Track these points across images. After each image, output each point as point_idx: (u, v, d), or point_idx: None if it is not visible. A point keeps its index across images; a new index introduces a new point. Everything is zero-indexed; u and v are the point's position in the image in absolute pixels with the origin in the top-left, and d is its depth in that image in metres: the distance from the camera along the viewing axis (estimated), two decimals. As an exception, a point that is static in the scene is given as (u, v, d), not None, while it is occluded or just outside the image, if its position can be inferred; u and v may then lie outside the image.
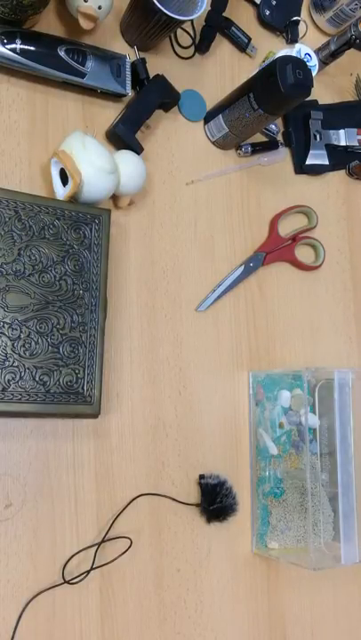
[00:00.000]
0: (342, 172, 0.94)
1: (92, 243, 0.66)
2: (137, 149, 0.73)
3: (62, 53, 0.69)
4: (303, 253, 0.87)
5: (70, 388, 0.62)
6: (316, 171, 0.90)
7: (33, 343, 0.61)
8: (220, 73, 0.86)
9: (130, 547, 0.67)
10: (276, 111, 0.75)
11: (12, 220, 0.63)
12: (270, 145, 0.87)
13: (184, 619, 0.69)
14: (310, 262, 0.87)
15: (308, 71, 0.71)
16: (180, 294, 0.76)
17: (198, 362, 0.76)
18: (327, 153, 0.90)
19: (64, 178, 0.67)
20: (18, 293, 0.62)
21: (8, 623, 0.61)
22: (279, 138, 0.89)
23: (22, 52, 0.67)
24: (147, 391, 0.72)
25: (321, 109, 0.90)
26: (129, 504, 0.68)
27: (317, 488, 0.74)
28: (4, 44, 0.66)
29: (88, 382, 0.63)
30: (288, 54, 0.86)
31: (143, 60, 0.76)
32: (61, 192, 0.67)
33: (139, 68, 0.75)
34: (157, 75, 0.76)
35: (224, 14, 0.83)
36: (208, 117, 0.82)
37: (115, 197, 0.73)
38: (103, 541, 0.65)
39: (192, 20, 0.81)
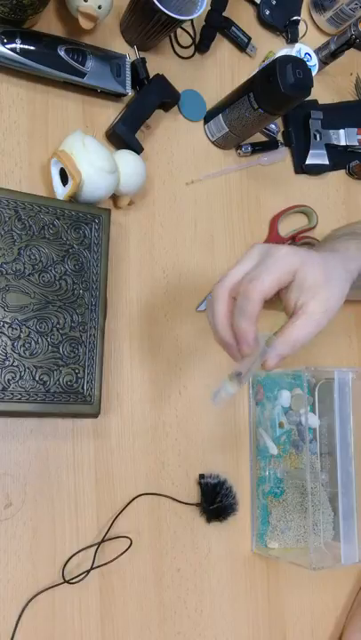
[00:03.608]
0: (342, 172, 0.94)
1: (92, 242, 0.66)
2: (137, 149, 0.73)
3: (62, 53, 0.69)
4: (303, 253, 0.87)
5: (70, 388, 0.62)
6: (316, 170, 0.90)
7: (33, 343, 0.61)
8: (220, 73, 0.86)
9: (130, 546, 0.67)
10: (276, 111, 0.75)
11: (12, 220, 0.63)
12: (270, 145, 0.87)
13: (184, 618, 0.69)
14: (310, 262, 0.87)
15: (308, 71, 0.71)
16: (180, 294, 0.76)
17: (198, 362, 0.76)
18: (327, 153, 0.90)
19: (64, 178, 0.67)
20: (18, 293, 0.62)
21: (8, 623, 0.61)
22: (279, 137, 0.89)
23: (22, 52, 0.67)
24: (147, 391, 0.72)
25: (321, 109, 0.90)
26: (129, 504, 0.68)
27: (317, 488, 0.74)
28: (3, 44, 0.66)
29: (88, 382, 0.63)
30: (288, 54, 0.86)
31: (143, 60, 0.76)
32: (61, 192, 0.67)
33: (139, 68, 0.75)
34: (157, 75, 0.76)
35: (224, 14, 0.83)
36: (208, 117, 0.82)
37: (115, 197, 0.73)
38: (103, 541, 0.65)
39: (192, 20, 0.81)
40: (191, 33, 0.83)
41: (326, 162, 0.90)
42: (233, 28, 0.86)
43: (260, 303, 0.53)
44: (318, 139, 0.90)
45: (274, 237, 0.84)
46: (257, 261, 0.55)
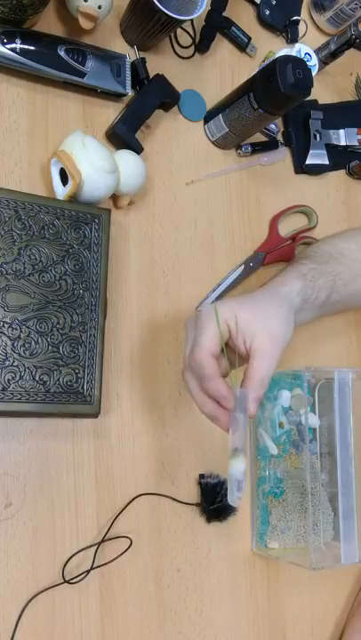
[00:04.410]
0: (342, 172, 0.93)
1: (92, 242, 0.66)
2: (137, 149, 0.73)
3: (62, 53, 0.69)
4: (303, 253, 0.87)
5: (70, 388, 0.62)
6: (316, 170, 0.90)
7: (33, 343, 0.61)
8: (220, 73, 0.86)
9: (130, 546, 0.67)
10: (276, 111, 0.75)
11: (12, 220, 0.63)
12: (270, 145, 0.87)
13: (184, 618, 0.69)
14: (310, 262, 0.87)
15: (308, 71, 0.71)
16: (180, 294, 0.76)
17: (198, 362, 0.76)
18: (327, 153, 0.90)
19: (64, 178, 0.67)
20: (18, 293, 0.62)
21: (8, 623, 0.61)
22: (279, 137, 0.89)
23: (22, 52, 0.67)
24: (147, 391, 0.72)
25: (321, 109, 0.90)
26: (129, 504, 0.68)
27: (317, 488, 0.74)
28: (3, 44, 0.66)
29: (88, 382, 0.63)
30: (288, 54, 0.86)
31: (143, 60, 0.76)
32: (61, 192, 0.67)
33: (139, 68, 0.75)
34: (157, 75, 0.76)
35: (224, 14, 0.83)
36: (208, 117, 0.82)
37: (115, 197, 0.73)
38: (103, 541, 0.65)
39: (192, 20, 0.81)
40: (191, 33, 0.83)
41: (326, 162, 0.90)
42: (233, 27, 0.86)
43: (209, 361, 0.57)
44: (318, 139, 0.90)
45: (274, 237, 0.84)
46: (194, 332, 0.60)
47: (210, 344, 0.57)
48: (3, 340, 0.60)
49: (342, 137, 0.92)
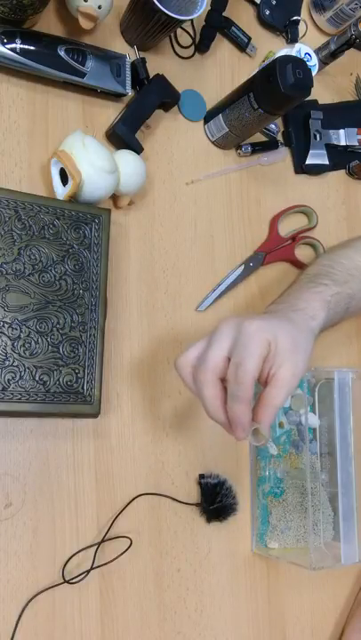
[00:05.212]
0: (342, 172, 0.93)
1: (92, 242, 0.66)
2: (137, 149, 0.73)
3: (62, 53, 0.69)
4: (303, 253, 0.87)
5: (70, 388, 0.62)
6: (316, 170, 0.90)
7: (33, 343, 0.61)
8: (220, 73, 0.86)
9: (130, 546, 0.67)
10: (276, 111, 0.75)
11: (12, 220, 0.63)
12: (270, 145, 0.87)
13: (184, 618, 0.69)
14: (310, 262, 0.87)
15: (308, 71, 0.71)
16: (180, 294, 0.76)
17: (198, 362, 0.76)
18: (327, 153, 0.90)
19: (64, 178, 0.67)
20: (18, 293, 0.62)
21: (8, 623, 0.61)
22: (279, 137, 0.89)
23: (22, 52, 0.67)
24: (147, 391, 0.72)
25: (321, 109, 0.90)
26: (129, 504, 0.68)
27: (317, 488, 0.74)
28: (3, 44, 0.66)
29: (88, 382, 0.63)
30: (288, 54, 0.86)
31: (143, 60, 0.76)
32: (61, 192, 0.67)
33: (139, 68, 0.75)
34: (157, 75, 0.76)
35: (224, 14, 0.83)
36: (208, 117, 0.82)
37: (114, 197, 0.73)
38: (103, 541, 0.65)
39: (192, 20, 0.81)
40: (191, 33, 0.83)
41: (326, 162, 0.90)
42: (233, 27, 0.86)
43: (251, 386, 0.55)
44: (318, 139, 0.90)
45: (274, 237, 0.84)
46: (232, 339, 0.57)
47: (257, 368, 0.55)
48: (3, 340, 0.60)
49: (342, 137, 0.92)
